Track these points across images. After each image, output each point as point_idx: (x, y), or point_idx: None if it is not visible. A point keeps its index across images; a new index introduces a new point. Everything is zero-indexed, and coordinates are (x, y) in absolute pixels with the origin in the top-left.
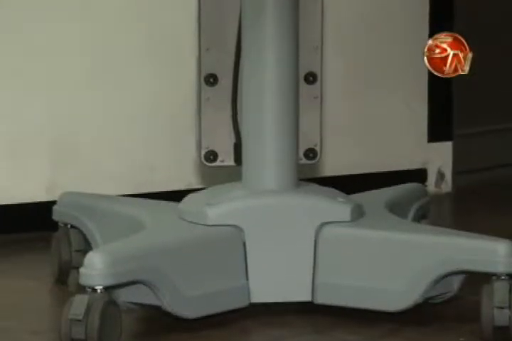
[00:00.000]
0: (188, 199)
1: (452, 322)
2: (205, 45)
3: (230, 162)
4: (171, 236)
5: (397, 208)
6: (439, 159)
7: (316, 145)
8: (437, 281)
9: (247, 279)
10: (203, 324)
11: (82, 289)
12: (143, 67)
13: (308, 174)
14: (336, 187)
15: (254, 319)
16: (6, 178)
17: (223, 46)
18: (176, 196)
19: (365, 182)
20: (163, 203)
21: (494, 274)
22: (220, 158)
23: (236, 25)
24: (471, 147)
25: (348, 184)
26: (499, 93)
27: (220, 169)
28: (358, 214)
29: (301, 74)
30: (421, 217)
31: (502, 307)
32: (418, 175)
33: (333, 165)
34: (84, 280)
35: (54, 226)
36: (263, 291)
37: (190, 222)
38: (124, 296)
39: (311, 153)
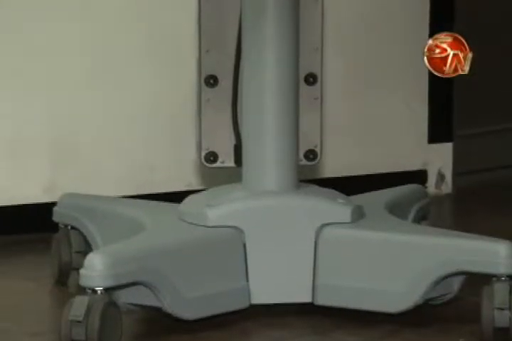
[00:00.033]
0: (188, 200)
1: (452, 323)
2: (206, 46)
3: (230, 163)
4: (171, 238)
5: (397, 209)
6: (439, 160)
7: (316, 147)
8: (437, 282)
9: (248, 280)
10: (204, 325)
11: (82, 290)
12: (143, 67)
13: (309, 175)
14: (336, 189)
15: (254, 320)
16: (5, 179)
17: (223, 47)
18: (176, 197)
19: (365, 183)
20: (163, 204)
21: (494, 275)
22: (220, 159)
23: (236, 27)
24: (472, 148)
25: (348, 185)
26: (499, 93)
27: (220, 170)
28: (358, 215)
29: (302, 76)
30: (421, 218)
31: (502, 309)
32: (418, 176)
33: (333, 166)
34: (84, 282)
35: (54, 227)
36: (263, 292)
37: (191, 223)
38: (124, 297)
39: (311, 154)
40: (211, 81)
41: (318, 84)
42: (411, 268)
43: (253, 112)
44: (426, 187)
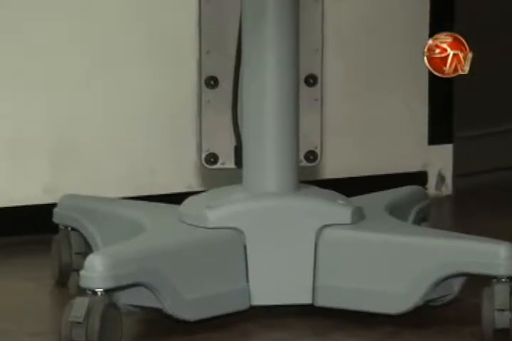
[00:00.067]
0: (188, 201)
1: (452, 324)
2: (206, 47)
3: (231, 164)
4: (172, 239)
5: (397, 211)
6: (439, 161)
7: (316, 148)
8: (437, 284)
9: (248, 282)
10: (204, 326)
11: (82, 292)
12: (143, 68)
13: (309, 176)
14: (336, 190)
15: (254, 321)
16: (5, 180)
17: (224, 49)
18: (176, 198)
19: (366, 184)
20: (163, 206)
21: (495, 277)
22: (220, 161)
23: (236, 28)
24: (472, 149)
25: (349, 186)
26: (499, 94)
27: (220, 171)
28: (359, 216)
29: (302, 77)
30: (421, 219)
31: (503, 310)
32: (418, 178)
33: (333, 167)
34: (84, 283)
35: (54, 228)
36: (263, 294)
37: (191, 225)
38: (124, 299)
39: (311, 156)
40: (211, 82)
41: (319, 85)
42: (411, 269)
43: (253, 113)
44: (426, 189)
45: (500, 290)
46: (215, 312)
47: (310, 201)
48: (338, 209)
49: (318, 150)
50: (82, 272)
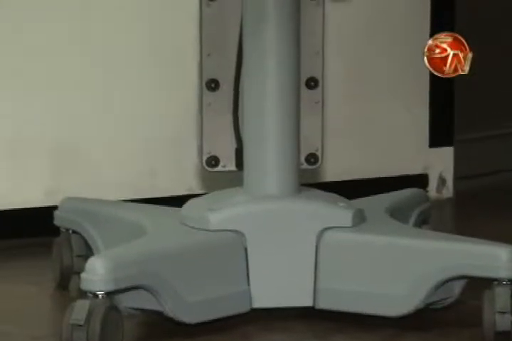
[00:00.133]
0: (189, 204)
1: (453, 327)
2: (207, 50)
3: (232, 167)
4: (173, 242)
5: (398, 213)
6: (440, 164)
7: (317, 151)
8: (438, 286)
9: (249, 284)
10: (205, 329)
11: (83, 294)
12: (144, 70)
13: (310, 179)
14: (337, 193)
15: (255, 324)
16: (5, 181)
17: (225, 51)
18: (177, 201)
19: (367, 187)
20: (164, 208)
21: (495, 279)
22: (221, 163)
23: (237, 31)
24: (472, 152)
25: (350, 189)
26: (499, 94)
27: (221, 174)
28: (360, 219)
29: (303, 79)
30: (422, 222)
31: (504, 313)
32: (419, 181)
33: (334, 170)
34: (85, 286)
35: (55, 231)
36: (264, 296)
37: (192, 227)
38: (125, 301)
39: (312, 158)
40: (212, 85)
41: (320, 88)
42: (412, 272)
43: (254, 116)
44: (427, 191)
45: (501, 293)
46: (216, 314)
47: (311, 204)
48: (339, 211)
49: (319, 153)
50: (83, 275)
